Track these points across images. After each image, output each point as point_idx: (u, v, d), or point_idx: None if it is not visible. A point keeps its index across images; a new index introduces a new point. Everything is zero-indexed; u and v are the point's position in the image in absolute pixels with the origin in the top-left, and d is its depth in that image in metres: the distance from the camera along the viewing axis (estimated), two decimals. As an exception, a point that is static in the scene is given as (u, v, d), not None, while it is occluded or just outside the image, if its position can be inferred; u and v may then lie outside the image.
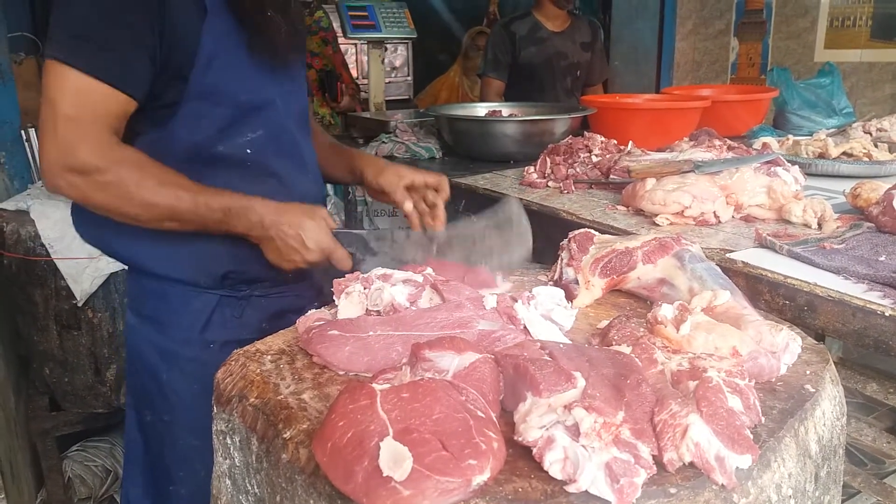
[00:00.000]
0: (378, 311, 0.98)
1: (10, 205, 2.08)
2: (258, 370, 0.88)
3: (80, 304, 1.98)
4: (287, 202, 1.17)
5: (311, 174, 1.35)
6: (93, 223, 1.22)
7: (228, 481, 0.86)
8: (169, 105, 1.13)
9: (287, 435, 0.74)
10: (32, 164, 2.57)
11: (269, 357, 0.91)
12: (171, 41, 1.09)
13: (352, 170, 1.45)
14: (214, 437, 0.88)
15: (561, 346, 0.81)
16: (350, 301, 0.99)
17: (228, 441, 0.85)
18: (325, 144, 1.49)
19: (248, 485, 0.82)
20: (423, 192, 1.36)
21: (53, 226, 1.93)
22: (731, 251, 1.28)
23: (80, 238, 1.28)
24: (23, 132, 2.57)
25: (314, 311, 1.01)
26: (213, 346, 1.22)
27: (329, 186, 2.56)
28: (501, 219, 1.19)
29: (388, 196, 1.37)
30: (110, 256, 1.29)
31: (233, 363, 0.91)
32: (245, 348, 0.94)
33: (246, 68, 1.18)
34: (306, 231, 1.14)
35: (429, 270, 1.04)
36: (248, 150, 1.21)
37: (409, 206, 1.33)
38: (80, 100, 1.04)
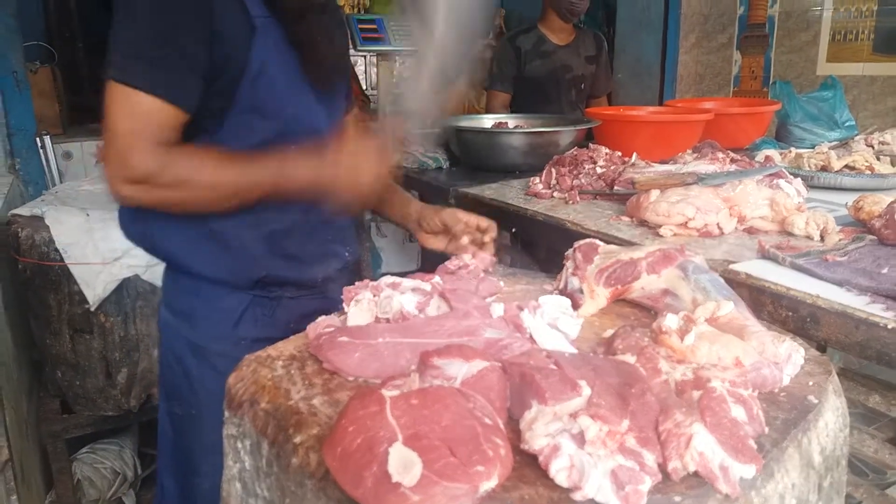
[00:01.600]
0: (387, 319, 1.00)
1: (25, 210, 2.11)
2: (269, 375, 0.89)
3: (92, 309, 2.00)
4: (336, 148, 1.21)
5: None
6: (137, 223, 1.28)
7: (238, 485, 0.88)
8: (217, 115, 1.19)
9: (297, 440, 0.75)
10: (47, 171, 2.60)
11: (280, 362, 0.93)
12: (220, 56, 1.14)
13: (402, 211, 1.53)
14: (225, 440, 0.89)
15: (566, 354, 0.83)
16: (359, 308, 1.01)
17: (239, 445, 0.86)
18: None
19: (257, 489, 0.83)
20: (475, 232, 1.44)
21: (67, 231, 1.96)
22: (734, 262, 1.29)
23: (125, 236, 1.33)
24: (37, 139, 2.60)
25: (324, 317, 1.02)
26: (243, 343, 1.25)
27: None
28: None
29: (447, 230, 1.45)
30: (152, 254, 1.34)
31: (244, 368, 0.93)
32: (256, 353, 0.96)
33: (293, 85, 1.24)
34: (360, 174, 1.18)
35: (437, 279, 1.06)
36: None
37: (465, 239, 1.42)
38: (134, 114, 1.10)
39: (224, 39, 1.14)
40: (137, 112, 1.10)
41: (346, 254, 1.44)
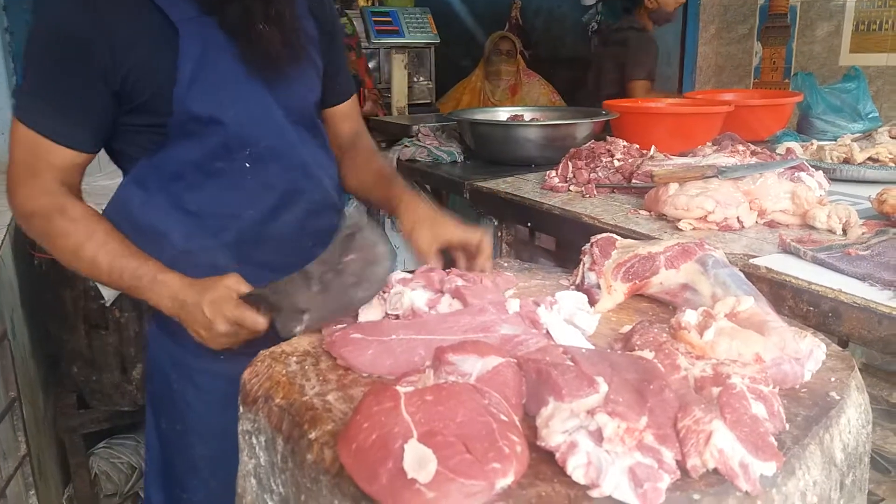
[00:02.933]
0: (397, 316, 0.99)
1: (40, 207, 2.13)
2: (284, 371, 0.89)
3: (107, 305, 2.02)
4: (199, 279, 1.12)
5: (321, 181, 1.31)
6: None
7: (253, 480, 0.88)
8: (159, 130, 1.15)
9: (312, 436, 0.75)
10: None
11: (294, 358, 0.93)
12: (137, 73, 1.11)
13: (389, 206, 1.36)
14: (240, 436, 0.89)
15: (583, 350, 0.82)
16: (369, 305, 1.00)
17: (254, 441, 0.86)
18: (371, 169, 1.44)
19: (272, 484, 0.83)
20: (462, 250, 1.25)
21: (83, 228, 1.97)
22: (755, 257, 1.27)
23: None
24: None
25: None
26: (223, 358, 1.18)
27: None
28: (346, 233, 1.08)
29: (419, 257, 1.24)
30: None
31: (259, 364, 0.93)
32: (271, 349, 0.96)
33: (234, 83, 1.16)
34: (209, 305, 1.08)
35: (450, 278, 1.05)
36: (247, 165, 1.20)
37: (461, 263, 1.22)
38: (30, 152, 1.12)
39: (135, 55, 1.10)
40: (34, 150, 1.12)
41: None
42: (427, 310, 0.99)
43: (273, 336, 1.05)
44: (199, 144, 1.16)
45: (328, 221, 1.33)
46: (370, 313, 0.99)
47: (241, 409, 0.89)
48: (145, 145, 1.18)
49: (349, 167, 1.45)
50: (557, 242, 2.22)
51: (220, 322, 1.07)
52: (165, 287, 1.12)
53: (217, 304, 1.08)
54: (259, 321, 1.07)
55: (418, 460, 0.62)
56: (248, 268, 1.18)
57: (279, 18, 1.18)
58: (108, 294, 1.99)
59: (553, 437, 0.67)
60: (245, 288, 1.10)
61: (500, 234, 2.03)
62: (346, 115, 1.49)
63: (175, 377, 1.28)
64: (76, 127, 1.13)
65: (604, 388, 0.70)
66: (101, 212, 1.21)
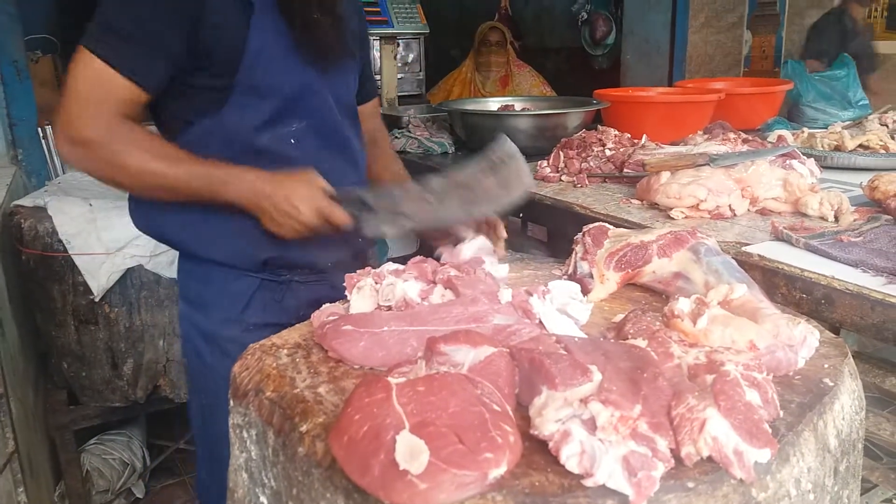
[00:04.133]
0: (390, 307, 0.98)
1: (27, 201, 2.10)
2: (274, 364, 0.88)
3: (97, 300, 2.00)
4: (282, 172, 1.19)
5: (357, 165, 1.38)
6: (145, 212, 1.29)
7: (245, 475, 0.87)
8: (217, 96, 1.19)
9: (303, 428, 0.75)
10: (49, 162, 2.59)
11: (284, 351, 0.92)
12: (212, 39, 1.15)
13: None
14: (231, 430, 0.89)
15: (576, 339, 0.81)
16: (362, 296, 1.00)
17: (245, 434, 0.86)
18: (390, 172, 1.53)
19: (264, 478, 0.83)
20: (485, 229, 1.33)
21: (71, 222, 1.94)
22: (747, 244, 1.27)
23: (136, 227, 1.34)
24: (39, 130, 2.59)
25: (328, 305, 1.01)
26: (252, 328, 1.25)
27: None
28: (496, 160, 1.19)
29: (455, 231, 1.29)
30: (162, 242, 1.36)
31: (249, 357, 0.92)
32: (261, 342, 0.95)
33: (293, 64, 1.22)
34: (298, 196, 1.15)
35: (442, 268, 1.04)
36: (293, 141, 1.25)
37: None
38: (93, 82, 1.12)
39: (217, 24, 1.14)
40: (97, 80, 1.12)
41: (360, 239, 1.40)
42: (419, 301, 0.98)
43: (351, 240, 1.20)
44: (254, 113, 1.21)
45: None
46: (362, 304, 0.98)
47: (231, 402, 0.89)
48: (200, 109, 1.20)
49: (371, 163, 1.49)
50: (549, 233, 2.21)
51: (308, 211, 1.15)
52: (243, 180, 1.16)
53: (306, 194, 1.15)
54: (345, 218, 1.16)
55: (410, 451, 0.61)
56: (281, 241, 1.24)
57: (332, 10, 1.25)
58: (98, 289, 1.97)
59: (546, 426, 0.66)
60: (327, 186, 1.17)
61: (491, 224, 2.02)
62: (369, 115, 1.54)
63: (207, 350, 1.31)
64: (148, 63, 1.14)
65: (597, 376, 0.70)
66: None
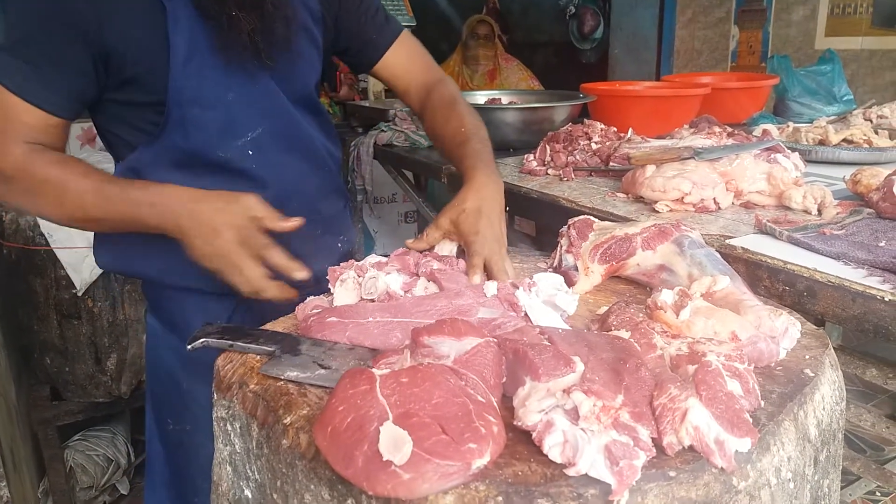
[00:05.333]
0: (373, 300, 0.98)
1: (8, 195, 2.08)
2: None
3: (80, 294, 1.98)
4: (207, 191, 1.04)
5: (325, 164, 1.25)
6: (108, 250, 1.22)
7: (229, 468, 0.87)
8: (155, 113, 1.10)
9: (287, 420, 0.74)
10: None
11: (268, 344, 0.91)
12: (123, 47, 1.05)
13: (460, 176, 1.19)
14: (215, 423, 0.88)
15: (560, 331, 0.81)
16: (345, 288, 0.99)
17: (229, 428, 0.85)
18: (447, 130, 1.27)
19: (248, 471, 0.82)
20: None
21: (52, 215, 1.93)
22: (731, 237, 1.28)
23: (99, 266, 1.27)
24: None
25: (312, 298, 1.01)
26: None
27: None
28: None
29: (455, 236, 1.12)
30: (131, 276, 1.31)
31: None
32: (245, 335, 0.94)
33: (231, 67, 1.11)
34: (222, 219, 0.99)
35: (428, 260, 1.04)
36: (250, 152, 1.14)
37: (476, 279, 1.03)
38: (1, 109, 1.05)
39: (122, 31, 1.04)
40: (4, 109, 1.05)
41: (339, 245, 1.33)
42: (402, 293, 0.98)
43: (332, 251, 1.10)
44: (199, 129, 1.11)
45: (334, 206, 1.29)
46: (345, 297, 0.98)
47: (214, 395, 0.88)
48: (143, 128, 1.12)
49: (427, 125, 1.33)
50: (537, 226, 2.21)
51: (230, 238, 1.00)
52: (166, 201, 1.03)
53: (231, 219, 0.99)
54: (282, 260, 1.01)
55: (394, 442, 0.61)
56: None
57: (257, 4, 1.10)
58: (81, 283, 1.96)
59: (529, 416, 0.67)
60: (261, 212, 1.01)
61: (478, 218, 2.02)
62: (403, 63, 1.35)
63: (184, 375, 1.22)
64: (49, 87, 1.06)
65: (580, 367, 0.70)
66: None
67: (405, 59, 1.36)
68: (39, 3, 1.04)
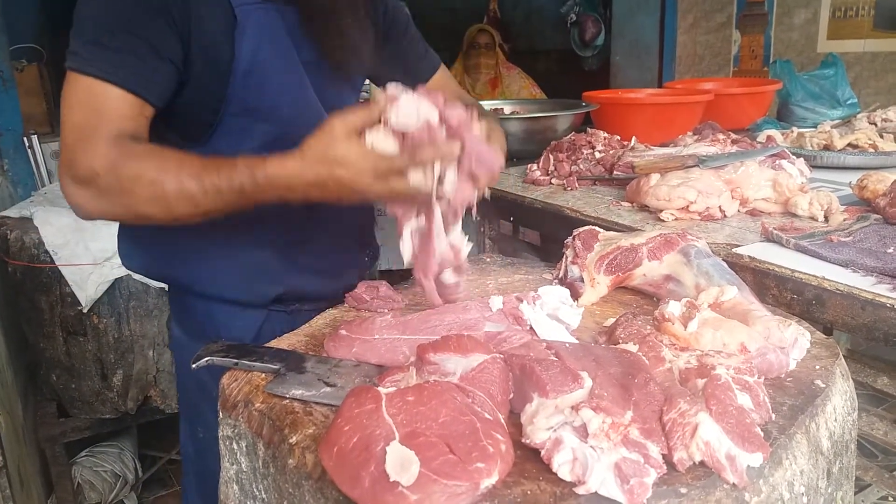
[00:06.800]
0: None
1: (13, 212, 2.09)
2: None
3: (85, 311, 1.98)
4: (304, 144, 0.95)
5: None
6: (138, 250, 1.21)
7: (236, 487, 0.86)
8: (209, 120, 1.09)
9: (293, 440, 0.74)
10: (35, 171, 2.57)
11: (273, 361, 0.91)
12: (199, 51, 1.04)
13: None
14: (221, 442, 0.88)
15: (567, 345, 0.81)
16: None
17: (235, 446, 0.85)
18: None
19: (255, 490, 0.82)
20: None
21: (57, 233, 1.93)
22: (738, 246, 1.27)
23: (126, 267, 1.24)
24: (25, 139, 2.58)
25: (331, 310, 1.00)
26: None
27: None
28: None
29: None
30: (157, 281, 1.26)
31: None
32: (250, 353, 0.94)
33: (290, 81, 1.11)
34: (348, 178, 0.91)
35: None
36: None
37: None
38: (88, 106, 0.99)
39: (201, 31, 1.03)
40: (92, 103, 0.98)
41: (367, 258, 1.33)
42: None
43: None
44: (249, 139, 1.10)
45: (365, 218, 1.31)
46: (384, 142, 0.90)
47: (220, 414, 0.88)
48: (189, 133, 1.10)
49: None
50: (542, 236, 2.21)
51: (372, 188, 0.91)
52: (276, 188, 0.95)
53: (354, 168, 0.90)
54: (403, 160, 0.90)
55: (401, 462, 0.61)
56: (294, 275, 1.18)
57: (354, 12, 1.13)
58: (86, 300, 1.96)
59: (538, 434, 0.66)
60: (359, 120, 0.92)
61: (482, 229, 2.02)
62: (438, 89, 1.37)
63: (213, 384, 1.19)
64: (147, 69, 1.01)
65: (588, 382, 0.69)
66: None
67: (440, 87, 1.38)
68: None
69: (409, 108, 0.87)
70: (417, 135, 0.87)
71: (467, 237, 1.02)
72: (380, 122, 0.90)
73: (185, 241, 1.13)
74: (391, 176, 0.90)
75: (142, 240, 1.19)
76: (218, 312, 1.20)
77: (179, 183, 0.95)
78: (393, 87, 0.90)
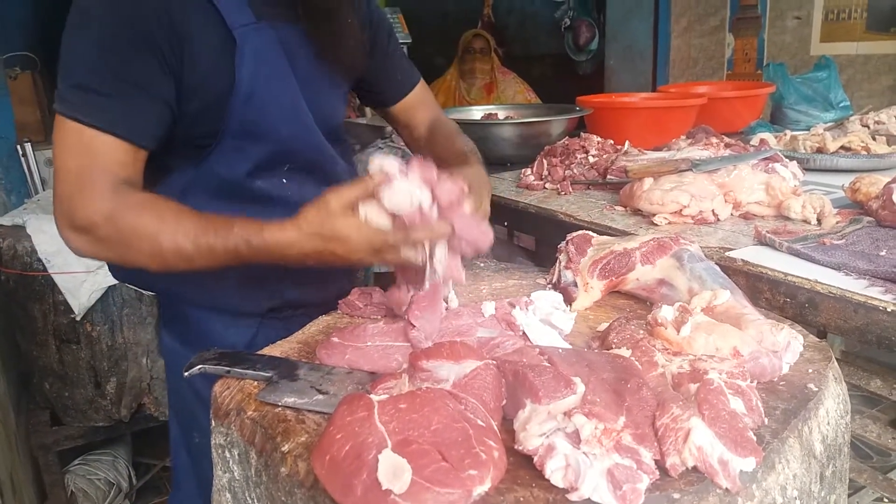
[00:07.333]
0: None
1: (6, 220, 2.08)
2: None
3: (78, 319, 1.98)
4: (301, 222, 0.96)
5: None
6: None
7: (228, 495, 0.86)
8: (206, 142, 1.09)
9: (285, 448, 0.74)
10: (28, 179, 2.57)
11: (266, 369, 0.90)
12: (197, 82, 1.04)
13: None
14: (213, 450, 0.87)
15: (560, 351, 0.80)
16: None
17: (227, 455, 0.84)
18: (451, 152, 1.30)
19: (248, 498, 0.81)
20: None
21: (50, 240, 1.92)
22: (731, 249, 1.27)
23: (113, 276, 1.24)
24: (18, 147, 2.57)
25: (324, 316, 1.00)
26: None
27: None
28: None
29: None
30: (149, 291, 1.27)
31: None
32: (242, 360, 0.93)
33: (288, 104, 1.12)
34: (344, 248, 0.93)
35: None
36: (285, 180, 1.16)
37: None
38: (83, 152, 0.98)
39: (197, 62, 1.03)
40: (86, 150, 0.98)
41: (358, 272, 1.37)
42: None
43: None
44: (245, 158, 1.10)
45: None
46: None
47: (213, 422, 0.87)
48: (185, 154, 1.10)
49: (430, 149, 1.36)
50: (537, 241, 2.21)
51: (366, 255, 0.94)
52: (272, 254, 0.96)
53: (352, 241, 0.92)
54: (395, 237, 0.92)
55: (393, 470, 0.61)
56: (291, 286, 1.19)
57: (351, 12, 1.17)
58: (79, 307, 1.95)
59: (530, 440, 0.66)
60: (352, 194, 0.93)
61: (477, 233, 2.02)
62: (416, 105, 1.42)
63: (204, 387, 1.20)
64: (135, 116, 1.00)
65: (581, 388, 0.69)
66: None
67: (420, 101, 1.43)
68: (113, 35, 0.99)
69: (403, 192, 0.90)
70: (410, 216, 0.90)
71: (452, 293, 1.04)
72: (373, 196, 0.92)
73: None
74: (385, 250, 0.92)
75: None
76: (211, 321, 1.20)
77: (175, 242, 0.96)
78: (388, 164, 0.91)
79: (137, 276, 1.22)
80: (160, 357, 2.07)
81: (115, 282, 1.96)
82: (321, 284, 1.22)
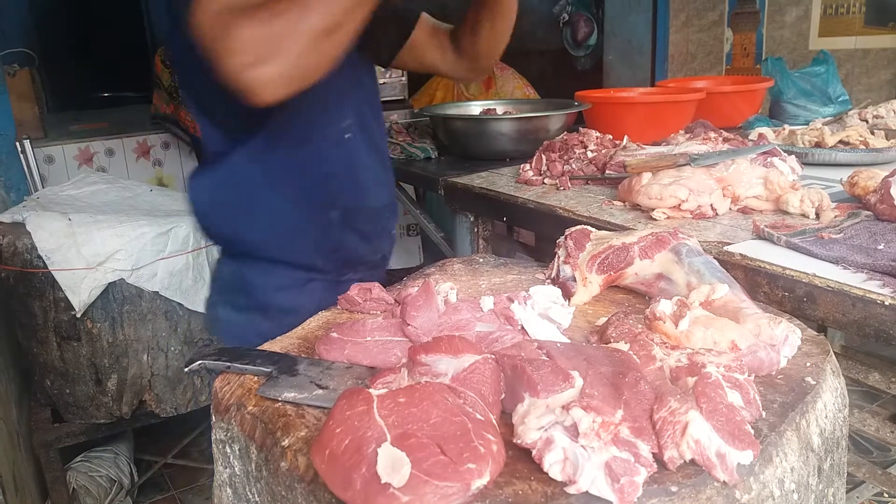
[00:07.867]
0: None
1: (6, 217, 2.08)
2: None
3: (78, 315, 1.98)
4: None
5: (388, 170, 1.45)
6: (217, 214, 1.28)
7: (229, 490, 0.86)
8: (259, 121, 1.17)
9: (285, 443, 0.74)
10: (28, 176, 2.57)
11: (266, 364, 0.91)
12: None
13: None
14: (214, 445, 0.88)
15: (558, 345, 0.81)
16: None
17: (228, 450, 0.85)
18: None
19: (248, 493, 0.82)
20: None
21: (50, 237, 1.93)
22: (729, 244, 1.27)
23: (201, 229, 1.32)
24: (17, 144, 2.57)
25: (323, 312, 1.00)
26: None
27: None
28: None
29: None
30: (230, 247, 1.34)
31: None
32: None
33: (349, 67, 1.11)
34: None
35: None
36: (347, 136, 1.28)
37: None
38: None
39: None
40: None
41: (393, 231, 1.51)
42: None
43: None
44: (286, 136, 1.20)
45: (390, 196, 1.47)
46: None
47: (213, 418, 0.88)
48: (254, 121, 1.16)
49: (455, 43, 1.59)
50: (537, 236, 2.21)
51: None
52: None
53: None
54: None
55: (392, 464, 0.61)
56: (351, 235, 1.33)
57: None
58: (79, 304, 1.95)
59: (529, 434, 0.66)
60: None
61: (476, 229, 2.02)
62: (426, 39, 1.61)
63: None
64: None
65: (579, 382, 0.70)
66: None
67: (427, 30, 1.61)
68: None
69: None
70: None
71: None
72: None
73: (262, 207, 1.25)
74: None
75: (222, 204, 1.27)
76: (291, 279, 1.31)
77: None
78: None
79: (229, 227, 1.29)
80: (161, 354, 2.08)
81: (115, 278, 1.97)
82: (370, 239, 1.38)
